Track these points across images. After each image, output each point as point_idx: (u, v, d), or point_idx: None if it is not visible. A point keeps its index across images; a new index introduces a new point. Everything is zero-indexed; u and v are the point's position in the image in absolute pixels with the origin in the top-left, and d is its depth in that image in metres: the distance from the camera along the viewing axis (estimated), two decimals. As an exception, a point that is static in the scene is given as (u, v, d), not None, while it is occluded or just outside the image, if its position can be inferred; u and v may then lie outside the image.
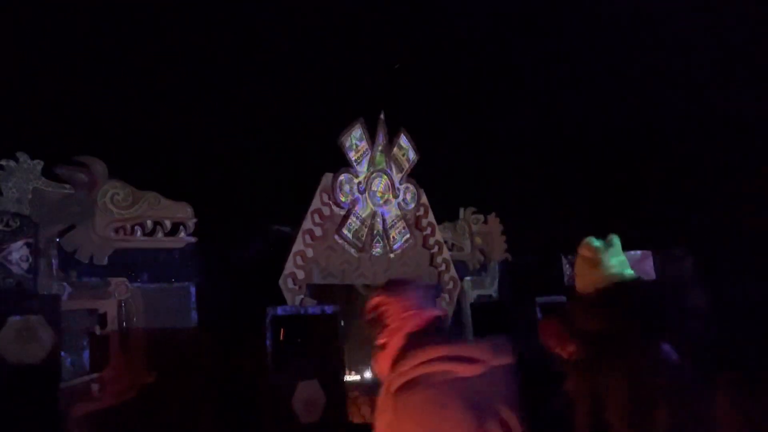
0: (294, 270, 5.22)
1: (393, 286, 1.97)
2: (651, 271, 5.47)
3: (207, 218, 4.95)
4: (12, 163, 4.28)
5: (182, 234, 4.81)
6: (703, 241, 6.69)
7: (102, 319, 4.45)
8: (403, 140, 6.06)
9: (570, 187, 8.45)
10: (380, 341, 1.86)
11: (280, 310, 4.70)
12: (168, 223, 4.77)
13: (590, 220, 7.49)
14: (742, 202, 7.30)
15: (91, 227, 4.50)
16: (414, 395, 1.68)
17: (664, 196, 8.27)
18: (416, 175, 6.15)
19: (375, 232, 5.74)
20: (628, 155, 8.42)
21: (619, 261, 2.02)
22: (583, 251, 2.05)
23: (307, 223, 5.34)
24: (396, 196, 5.93)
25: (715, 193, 7.68)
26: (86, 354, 4.38)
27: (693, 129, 8.02)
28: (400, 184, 5.99)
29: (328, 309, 4.96)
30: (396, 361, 1.77)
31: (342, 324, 5.04)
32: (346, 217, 5.56)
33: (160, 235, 4.74)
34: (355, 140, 5.67)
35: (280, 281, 5.11)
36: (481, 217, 6.97)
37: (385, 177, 5.86)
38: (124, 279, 4.59)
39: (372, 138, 5.80)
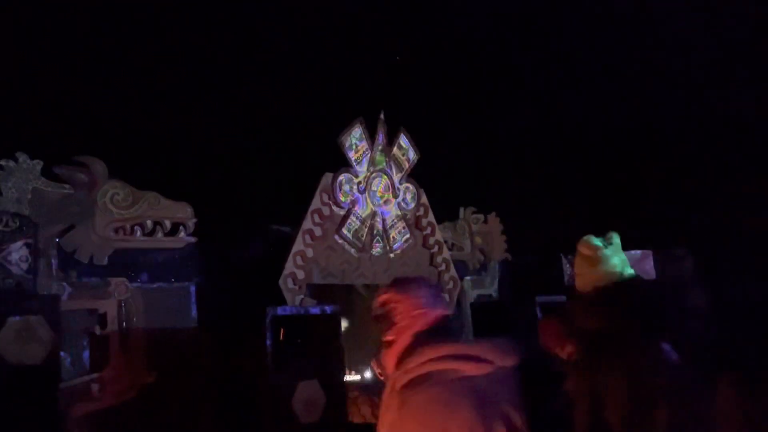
0: (294, 270, 5.22)
1: (402, 283, 1.96)
2: (651, 270, 5.47)
3: (207, 218, 4.95)
4: (11, 163, 4.27)
5: (182, 234, 4.81)
6: (703, 241, 6.68)
7: (102, 319, 4.44)
8: (403, 140, 6.06)
9: (570, 187, 8.44)
10: (387, 338, 1.86)
11: (280, 310, 4.70)
12: (168, 223, 4.76)
13: (590, 220, 7.48)
14: (742, 202, 7.30)
15: (91, 227, 4.50)
16: (420, 392, 1.68)
17: (664, 196, 8.26)
18: (416, 175, 6.15)
19: (375, 232, 5.73)
20: (628, 155, 8.42)
21: (619, 259, 2.02)
22: (582, 249, 2.05)
23: (307, 223, 5.33)
24: (396, 196, 5.92)
25: (715, 193, 7.68)
26: (86, 354, 4.37)
27: (693, 129, 8.01)
28: (400, 183, 5.99)
29: (328, 309, 4.95)
30: (402, 359, 1.77)
31: (342, 324, 5.04)
32: (346, 217, 5.56)
33: (160, 235, 4.73)
34: (354, 140, 5.67)
35: (280, 281, 5.11)
36: (481, 216, 6.97)
37: (385, 177, 5.85)
38: (124, 279, 4.58)
39: (372, 138, 5.80)
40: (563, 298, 5.54)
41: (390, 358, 1.83)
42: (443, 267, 6.21)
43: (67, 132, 5.37)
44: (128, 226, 4.63)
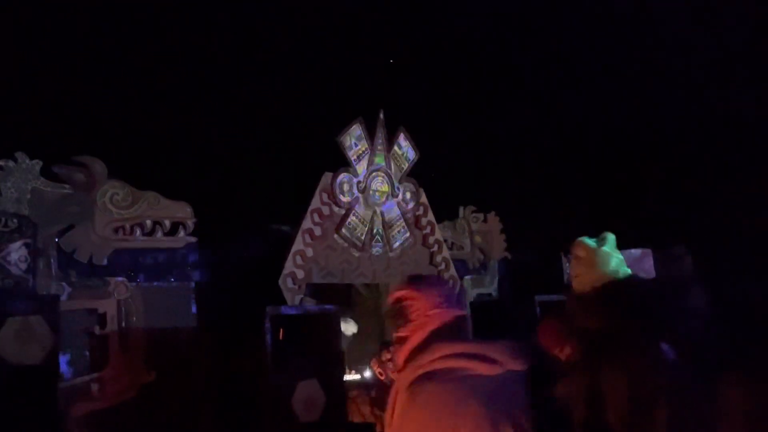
0: (294, 269, 5.22)
1: (419, 281, 1.96)
2: (651, 269, 5.46)
3: (206, 218, 4.94)
4: (11, 163, 4.27)
5: (182, 234, 4.81)
6: (703, 241, 6.68)
7: (101, 319, 4.44)
8: (403, 139, 6.06)
9: (570, 187, 8.44)
10: (401, 334, 1.85)
11: (279, 310, 4.70)
12: (167, 223, 4.76)
13: (590, 219, 7.48)
14: (742, 202, 7.30)
15: (91, 227, 4.49)
16: (429, 387, 1.68)
17: (664, 196, 8.26)
18: (416, 174, 6.15)
19: (374, 231, 5.74)
20: (628, 155, 8.42)
21: (615, 259, 2.01)
22: (577, 251, 2.04)
23: (306, 223, 5.33)
24: (395, 196, 5.93)
25: (715, 193, 7.67)
26: (86, 354, 4.37)
27: (693, 129, 8.01)
28: (400, 183, 5.99)
29: (328, 308, 4.95)
30: (414, 355, 1.77)
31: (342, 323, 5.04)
32: (345, 217, 5.56)
33: (159, 235, 4.73)
34: (354, 139, 5.67)
35: (280, 281, 5.11)
36: (481, 215, 6.96)
37: (385, 176, 5.86)
38: (124, 279, 4.59)
39: (371, 137, 5.80)
40: (563, 297, 5.54)
41: (402, 354, 1.83)
42: (443, 266, 6.21)
43: (66, 132, 5.36)
44: (128, 226, 4.63)
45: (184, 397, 4.50)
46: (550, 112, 8.47)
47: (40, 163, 4.37)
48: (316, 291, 5.48)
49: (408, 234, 5.98)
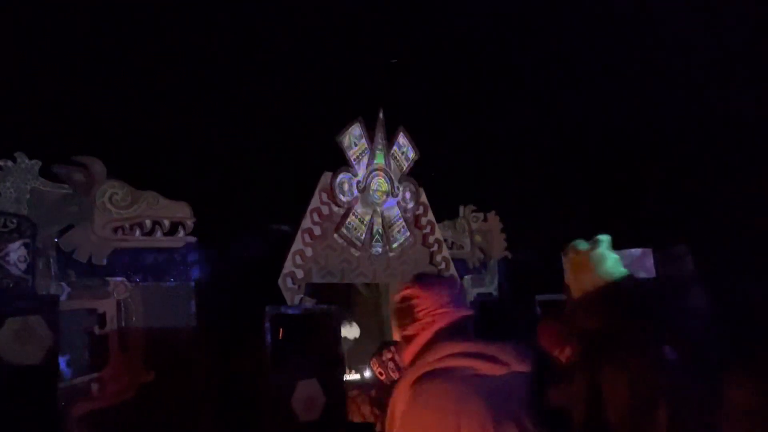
0: (293, 269, 5.22)
1: (427, 280, 1.95)
2: (651, 268, 5.45)
3: (206, 217, 4.94)
4: (10, 163, 4.26)
5: (181, 233, 4.80)
6: (703, 241, 6.68)
7: (101, 319, 4.44)
8: (402, 139, 6.06)
9: (570, 187, 8.43)
10: (407, 333, 1.85)
11: (279, 310, 4.69)
12: (167, 223, 4.76)
13: (590, 219, 7.48)
14: (742, 202, 7.29)
15: (90, 227, 4.49)
16: (434, 385, 1.68)
17: (664, 196, 8.25)
18: (415, 174, 6.15)
19: (374, 230, 5.73)
20: (628, 155, 8.41)
21: (610, 261, 2.01)
22: (570, 256, 2.04)
23: (306, 222, 5.33)
24: (395, 195, 5.92)
25: (715, 193, 7.67)
26: (85, 354, 4.37)
27: (693, 129, 8.00)
28: (400, 182, 5.99)
29: (328, 308, 4.95)
30: (420, 354, 1.77)
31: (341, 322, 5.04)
32: (345, 216, 5.56)
33: (159, 234, 4.73)
34: (354, 139, 5.67)
35: (279, 280, 5.11)
36: (481, 215, 6.96)
37: (385, 176, 5.85)
38: (123, 279, 4.58)
39: (371, 137, 5.80)
40: (563, 296, 5.53)
41: (409, 353, 1.83)
42: (443, 265, 6.21)
43: (65, 132, 5.35)
44: (127, 226, 4.62)
45: (183, 397, 4.50)
46: (550, 112, 8.46)
47: (39, 163, 4.37)
48: (316, 291, 5.47)
49: (408, 233, 5.97)
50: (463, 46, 8.04)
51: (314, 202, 5.41)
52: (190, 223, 4.82)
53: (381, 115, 5.89)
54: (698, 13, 7.43)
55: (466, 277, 6.61)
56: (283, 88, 6.92)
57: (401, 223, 5.94)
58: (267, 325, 4.49)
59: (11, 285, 3.99)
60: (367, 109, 5.82)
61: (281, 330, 4.59)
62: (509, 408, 1.66)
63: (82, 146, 4.63)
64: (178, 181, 5.15)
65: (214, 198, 5.67)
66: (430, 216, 6.25)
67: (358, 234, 5.63)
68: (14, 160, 4.28)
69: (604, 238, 2.04)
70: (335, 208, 5.54)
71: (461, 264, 6.63)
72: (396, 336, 2.06)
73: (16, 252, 4.04)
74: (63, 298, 4.24)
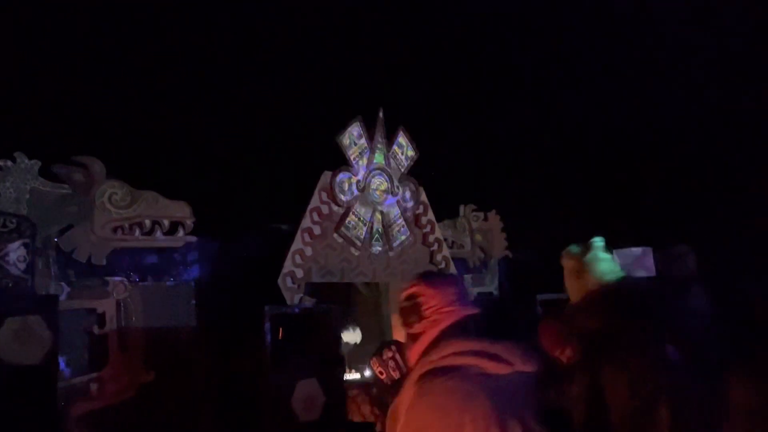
0: (293, 269, 5.21)
1: (433, 278, 1.96)
2: (651, 267, 5.44)
3: (205, 217, 4.93)
4: (9, 163, 4.26)
5: (181, 233, 4.80)
6: (704, 241, 6.67)
7: (100, 319, 4.44)
8: (402, 138, 6.06)
9: (570, 186, 8.43)
10: (413, 331, 1.85)
11: (279, 309, 4.69)
12: (166, 223, 4.75)
13: (590, 219, 7.47)
14: (742, 202, 7.29)
15: (89, 227, 4.49)
16: (438, 383, 1.68)
17: (664, 196, 8.25)
18: (415, 173, 6.14)
19: (374, 230, 5.73)
20: (628, 155, 8.41)
21: (606, 264, 2.01)
22: (566, 261, 2.05)
23: (305, 222, 5.33)
24: (395, 194, 5.92)
25: (715, 193, 7.67)
26: (85, 354, 4.37)
27: (693, 129, 8.00)
28: (399, 182, 5.99)
29: (328, 307, 4.94)
30: (426, 352, 1.77)
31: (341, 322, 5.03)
32: (345, 216, 5.56)
33: (158, 234, 4.72)
34: (353, 138, 5.67)
35: (279, 280, 5.10)
36: (481, 214, 6.95)
37: (384, 175, 5.85)
38: (123, 278, 4.58)
39: (371, 136, 5.80)
40: (564, 295, 5.52)
41: (415, 351, 1.83)
42: (443, 265, 6.21)
43: (65, 132, 5.35)
44: (127, 226, 4.62)
45: (183, 397, 4.50)
46: (550, 112, 8.46)
47: (39, 163, 4.36)
48: (316, 290, 5.47)
49: (408, 233, 5.97)
50: (463, 46, 8.03)
51: (314, 201, 5.41)
52: (189, 222, 4.82)
53: (381, 114, 5.89)
54: (698, 13, 7.43)
55: (466, 276, 6.61)
56: (283, 88, 6.92)
57: (401, 222, 5.94)
58: (267, 324, 4.48)
59: (11, 285, 3.99)
60: (367, 109, 5.82)
61: (281, 329, 4.58)
62: (514, 407, 1.66)
63: (82, 146, 4.62)
64: (178, 181, 5.14)
65: (214, 198, 5.67)
66: (430, 215, 6.25)
67: (358, 233, 5.63)
68: (14, 160, 4.28)
69: (598, 241, 2.04)
70: (335, 208, 5.54)
71: (461, 263, 6.62)
72: (400, 334, 2.06)
73: (16, 252, 4.04)
74: (62, 297, 4.24)
